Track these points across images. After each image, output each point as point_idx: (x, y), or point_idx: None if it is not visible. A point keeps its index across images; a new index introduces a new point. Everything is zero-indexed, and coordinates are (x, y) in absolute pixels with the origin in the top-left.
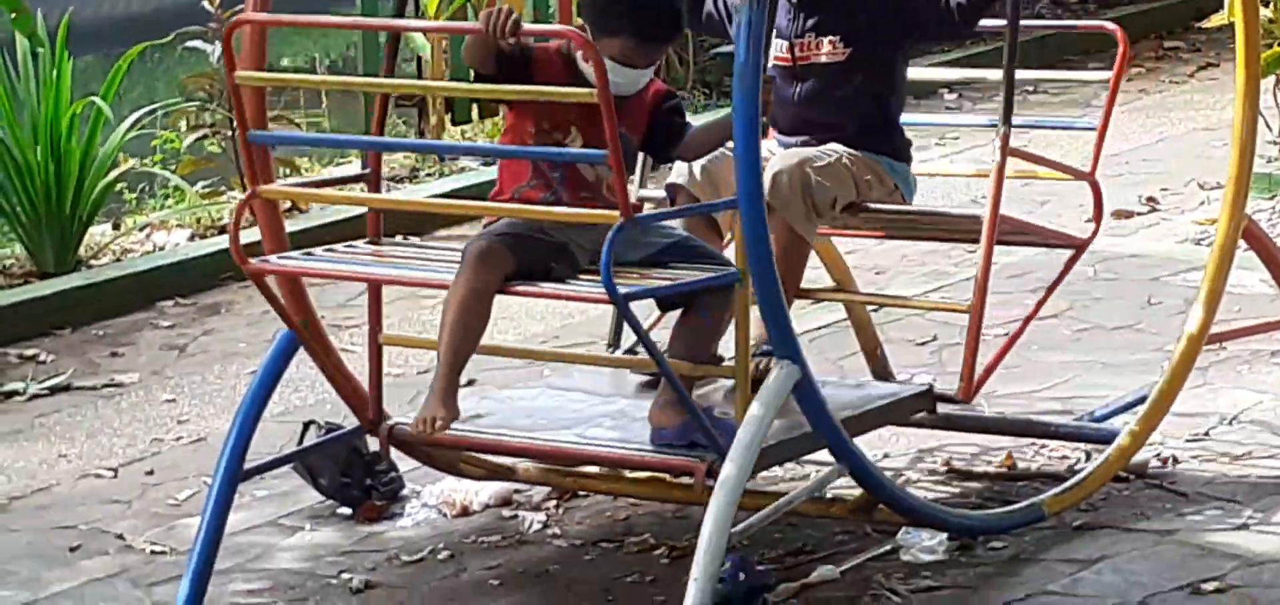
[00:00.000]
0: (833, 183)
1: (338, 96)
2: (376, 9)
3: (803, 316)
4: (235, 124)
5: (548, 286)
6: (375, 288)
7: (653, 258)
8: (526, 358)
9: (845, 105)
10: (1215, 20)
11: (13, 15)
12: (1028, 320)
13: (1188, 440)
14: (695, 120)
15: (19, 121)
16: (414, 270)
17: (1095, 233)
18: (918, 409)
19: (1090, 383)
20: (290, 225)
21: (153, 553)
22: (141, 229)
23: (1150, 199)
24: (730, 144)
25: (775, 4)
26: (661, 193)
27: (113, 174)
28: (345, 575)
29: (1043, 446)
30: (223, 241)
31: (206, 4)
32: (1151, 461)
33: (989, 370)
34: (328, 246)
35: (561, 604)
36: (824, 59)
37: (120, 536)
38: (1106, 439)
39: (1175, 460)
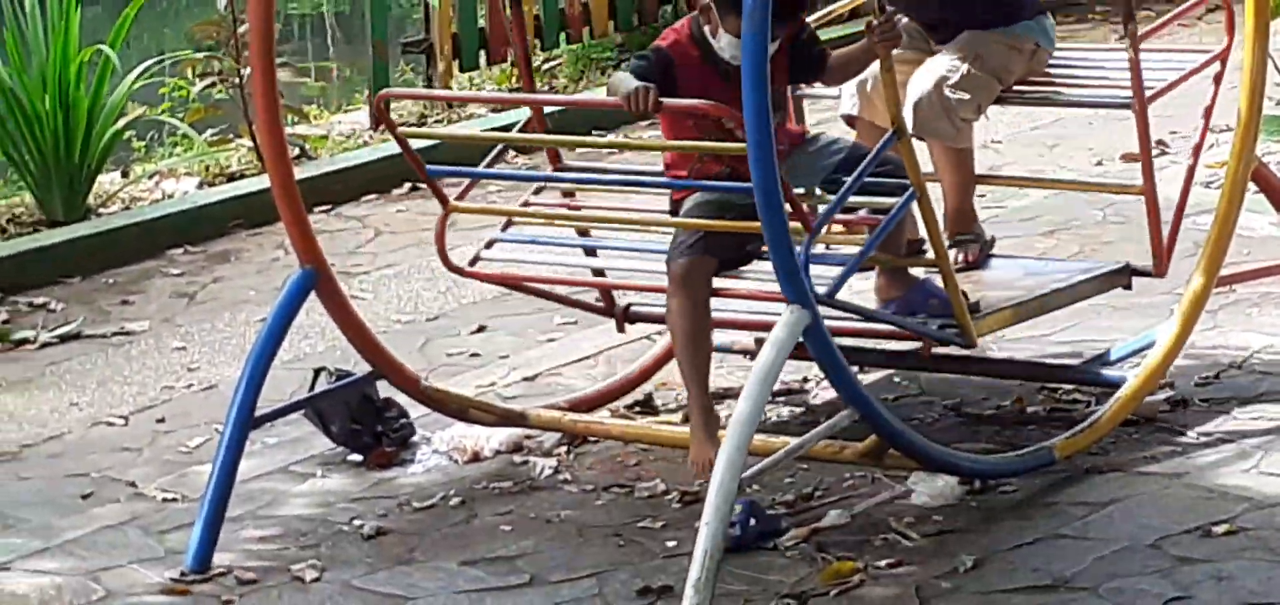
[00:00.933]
0: (972, 91)
1: (345, 41)
2: None
3: None
4: (245, 76)
5: (748, 288)
6: None
7: (829, 180)
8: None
9: None
10: None
11: None
12: (1188, 181)
13: (1197, 383)
14: None
15: (27, 70)
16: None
17: (1230, 44)
18: (1117, 283)
19: (1100, 326)
20: (300, 172)
21: (164, 500)
22: (150, 177)
23: (1159, 142)
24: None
25: None
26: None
27: (121, 122)
28: (356, 522)
29: (1053, 390)
30: (231, 189)
31: None
32: (1161, 405)
33: (1171, 242)
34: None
35: (573, 549)
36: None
37: (132, 484)
38: (1116, 383)
39: (1185, 404)
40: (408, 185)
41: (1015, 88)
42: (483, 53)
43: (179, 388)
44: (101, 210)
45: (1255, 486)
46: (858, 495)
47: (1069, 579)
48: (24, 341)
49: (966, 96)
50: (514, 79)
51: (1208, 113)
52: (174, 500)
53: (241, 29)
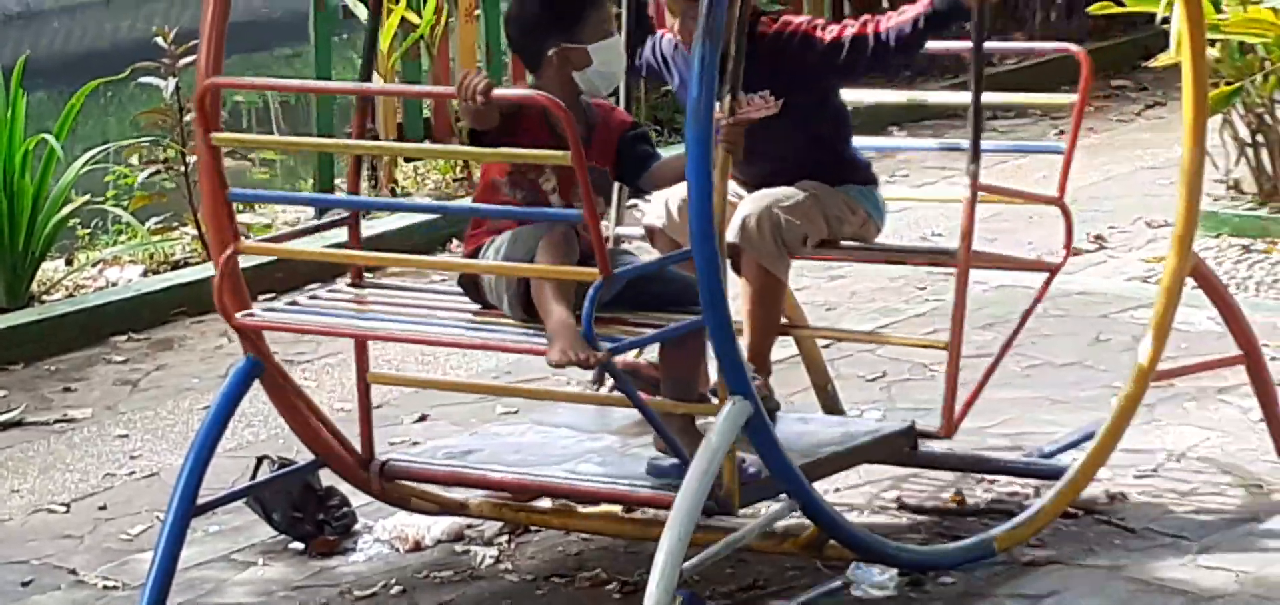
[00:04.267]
0: (802, 220)
1: (290, 131)
2: (330, 53)
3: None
4: (190, 164)
5: (528, 339)
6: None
7: (631, 294)
8: (516, 396)
9: (798, 149)
10: (1162, 59)
11: None
12: (1002, 353)
13: (1136, 476)
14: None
15: None
16: (406, 323)
17: (1066, 258)
18: (901, 446)
19: (1039, 419)
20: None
21: (105, 588)
22: (94, 265)
23: (1098, 237)
24: None
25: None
26: (638, 231)
27: (66, 210)
28: None
29: (993, 482)
30: (176, 277)
31: (160, 40)
32: (1100, 497)
33: (967, 406)
34: (310, 292)
35: None
36: (760, 114)
37: (73, 572)
38: (1056, 475)
39: (1124, 497)
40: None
41: (842, 243)
42: (427, 143)
43: (121, 475)
44: (45, 297)
45: (1193, 579)
46: (798, 587)
47: None
48: None
49: (797, 222)
50: (458, 168)
51: (1025, 316)
52: (115, 588)
53: (187, 117)
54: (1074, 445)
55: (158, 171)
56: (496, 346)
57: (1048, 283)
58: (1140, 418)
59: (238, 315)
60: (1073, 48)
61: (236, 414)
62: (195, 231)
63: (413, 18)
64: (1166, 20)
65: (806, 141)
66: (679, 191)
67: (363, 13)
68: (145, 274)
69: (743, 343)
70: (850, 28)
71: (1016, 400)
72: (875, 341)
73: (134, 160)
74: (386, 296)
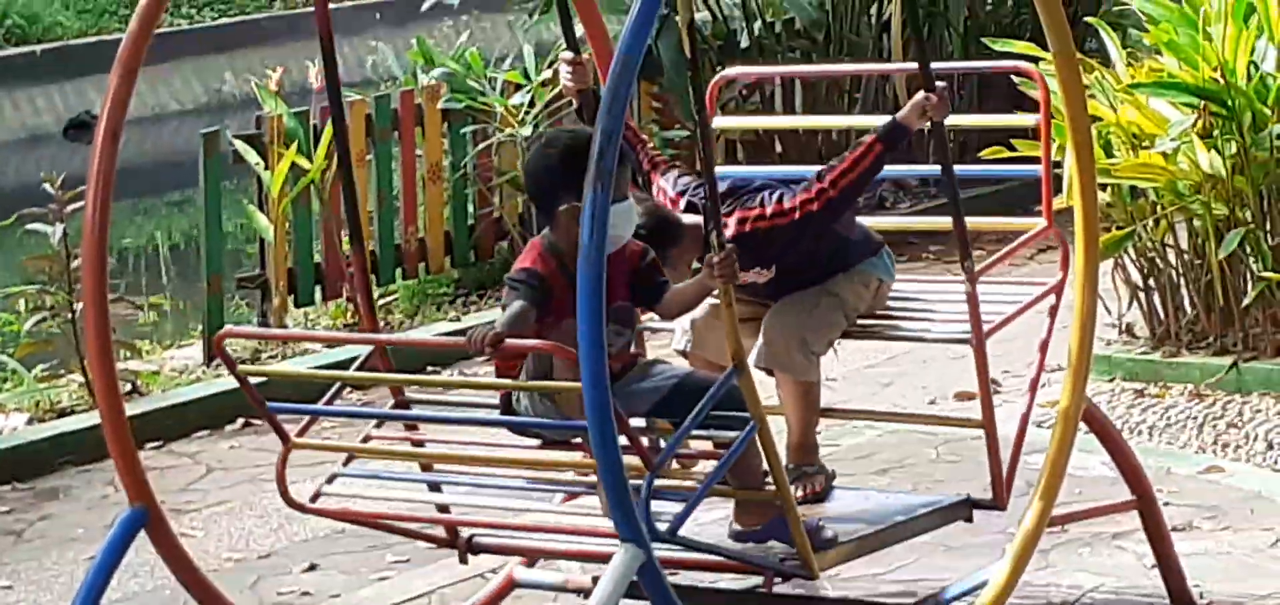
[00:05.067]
0: (826, 328)
1: (179, 276)
2: (220, 198)
3: None
4: (77, 311)
5: (588, 522)
6: None
7: (656, 408)
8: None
9: (805, 257)
10: (1056, 203)
11: None
12: (1026, 416)
13: None
14: None
15: None
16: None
17: (1064, 278)
18: (958, 516)
19: (933, 564)
20: (131, 408)
21: None
22: None
23: (992, 381)
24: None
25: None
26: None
27: None
28: None
29: None
30: (62, 425)
31: (47, 185)
32: None
33: (1010, 476)
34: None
35: None
36: (760, 279)
37: None
38: None
39: None
40: (241, 421)
41: (857, 322)
42: (319, 288)
43: None
44: None
45: None
46: None
47: None
48: None
49: (819, 332)
50: (350, 314)
51: (1043, 346)
52: None
53: (74, 263)
54: (968, 592)
55: (44, 318)
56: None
57: (1057, 303)
58: (1035, 563)
59: (311, 502)
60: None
61: (123, 564)
62: (82, 378)
63: (303, 163)
64: (1059, 164)
65: (811, 252)
66: (701, 310)
67: (253, 157)
68: (30, 422)
69: (787, 438)
70: (799, 195)
71: (910, 545)
72: (913, 421)
73: (21, 307)
74: (441, 449)
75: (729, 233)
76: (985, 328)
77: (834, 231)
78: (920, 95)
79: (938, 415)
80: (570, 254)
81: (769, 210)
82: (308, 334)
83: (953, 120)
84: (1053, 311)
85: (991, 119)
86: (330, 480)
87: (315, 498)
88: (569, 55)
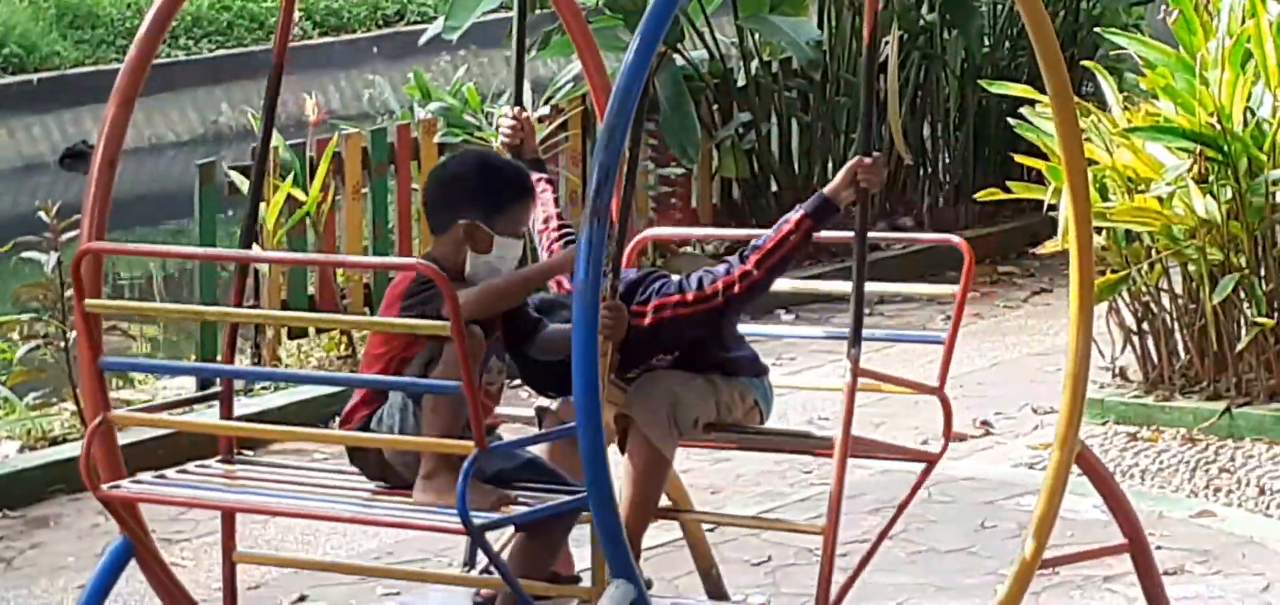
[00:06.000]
0: (697, 400)
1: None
2: (215, 228)
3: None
4: (70, 339)
5: (403, 514)
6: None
7: (506, 475)
8: (391, 577)
9: (686, 350)
10: (1049, 246)
11: None
12: (879, 541)
13: None
14: None
15: None
16: (270, 496)
17: (945, 448)
18: None
19: (925, 604)
20: (123, 438)
21: None
22: None
23: (984, 423)
24: None
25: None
26: (526, 411)
27: None
28: None
29: None
30: (53, 453)
31: (42, 214)
32: None
33: (843, 592)
34: (179, 468)
35: None
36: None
37: None
38: None
39: None
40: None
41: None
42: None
43: None
44: None
45: None
46: None
47: None
48: None
49: (689, 406)
50: (342, 347)
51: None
52: None
53: (68, 292)
54: None
55: (37, 346)
56: (368, 520)
57: (926, 472)
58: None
59: (103, 487)
60: (954, 239)
61: (112, 594)
62: (74, 407)
63: (299, 195)
64: (1054, 207)
65: (693, 344)
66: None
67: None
68: (22, 450)
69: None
70: (720, 279)
71: (901, 586)
72: (757, 526)
73: (14, 335)
74: (261, 471)
75: (646, 321)
76: (854, 437)
77: (720, 340)
78: (853, 161)
79: (780, 523)
80: (454, 270)
81: (690, 296)
82: (178, 421)
83: (874, 235)
84: (918, 483)
85: (910, 288)
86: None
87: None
88: (513, 110)
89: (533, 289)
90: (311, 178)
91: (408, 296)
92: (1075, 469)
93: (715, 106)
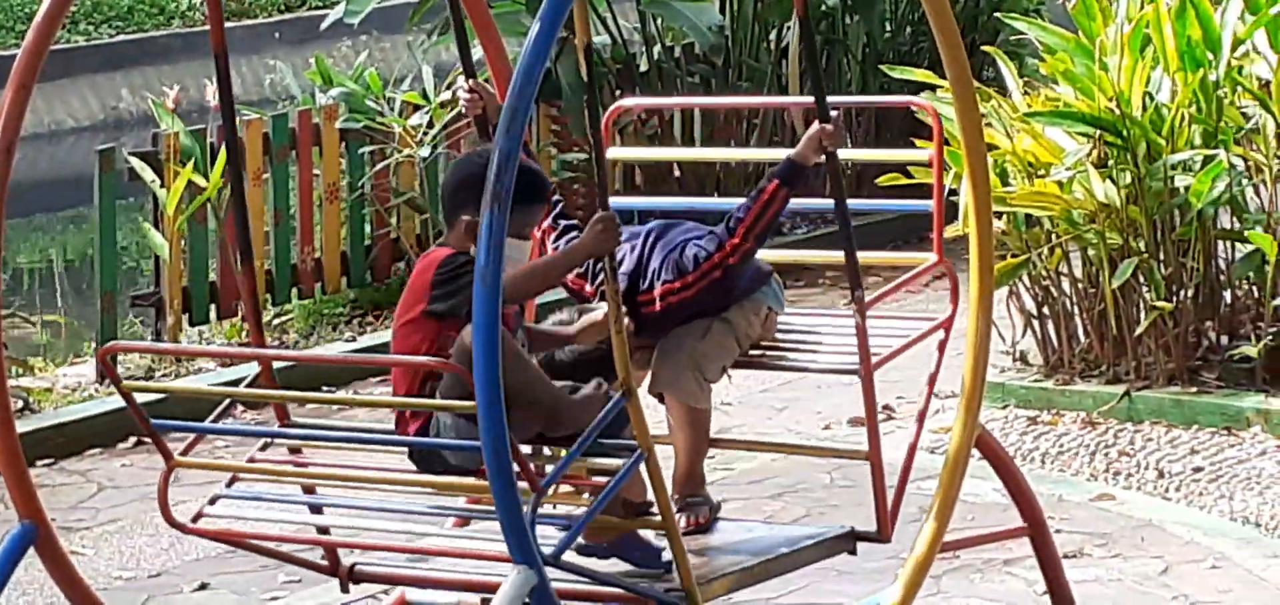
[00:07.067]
0: (718, 355)
1: (74, 293)
2: (114, 215)
3: None
4: None
5: (476, 547)
6: None
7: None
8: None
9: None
10: (950, 231)
11: None
12: (913, 447)
13: None
14: None
15: None
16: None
17: (954, 312)
18: (842, 548)
19: (826, 590)
20: (22, 425)
21: None
22: None
23: (886, 407)
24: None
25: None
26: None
27: None
28: None
29: None
30: None
31: None
32: None
33: (896, 507)
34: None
35: None
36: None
37: None
38: None
39: None
40: (133, 439)
41: (749, 351)
42: (213, 307)
43: None
44: None
45: None
46: None
47: None
48: None
49: (712, 358)
50: (244, 333)
51: (932, 379)
52: None
53: None
54: None
55: None
56: (474, 554)
57: (947, 335)
58: (926, 589)
59: (192, 522)
60: (914, 100)
61: (11, 581)
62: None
63: (199, 181)
64: (955, 192)
65: (712, 290)
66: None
67: (149, 175)
68: None
69: (674, 468)
70: (715, 257)
71: (803, 570)
72: (800, 452)
73: None
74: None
75: (656, 309)
76: (873, 360)
77: (730, 273)
78: (815, 127)
79: (825, 447)
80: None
81: (691, 278)
82: (196, 349)
83: (847, 153)
84: (941, 346)
85: (886, 153)
86: (213, 501)
87: (197, 518)
88: (467, 81)
89: (563, 274)
90: (212, 164)
91: (441, 268)
92: (975, 453)
93: (618, 92)
